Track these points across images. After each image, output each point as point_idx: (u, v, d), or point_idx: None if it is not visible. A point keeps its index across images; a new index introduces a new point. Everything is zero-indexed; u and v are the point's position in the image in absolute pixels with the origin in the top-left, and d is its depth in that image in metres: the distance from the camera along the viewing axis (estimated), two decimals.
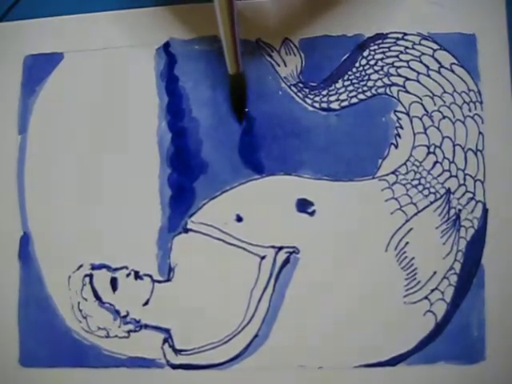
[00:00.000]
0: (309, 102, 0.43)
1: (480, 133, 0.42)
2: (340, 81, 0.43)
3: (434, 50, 0.43)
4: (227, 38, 0.39)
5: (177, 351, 0.42)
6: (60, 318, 0.43)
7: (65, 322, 0.43)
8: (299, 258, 0.42)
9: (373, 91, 0.43)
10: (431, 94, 0.43)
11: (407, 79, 0.43)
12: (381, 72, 0.43)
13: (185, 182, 0.43)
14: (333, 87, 0.43)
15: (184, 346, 0.42)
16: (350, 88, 0.43)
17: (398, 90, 0.43)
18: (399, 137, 0.42)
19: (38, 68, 0.46)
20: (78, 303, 0.43)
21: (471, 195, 0.42)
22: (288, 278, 0.42)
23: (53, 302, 0.43)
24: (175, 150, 0.44)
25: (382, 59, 0.43)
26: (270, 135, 0.43)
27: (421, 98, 0.43)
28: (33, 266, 0.44)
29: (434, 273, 0.41)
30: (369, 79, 0.43)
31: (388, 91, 0.43)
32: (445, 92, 0.42)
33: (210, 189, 0.43)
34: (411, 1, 0.43)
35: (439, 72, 0.43)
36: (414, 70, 0.43)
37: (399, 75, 0.43)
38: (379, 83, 0.43)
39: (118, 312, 0.43)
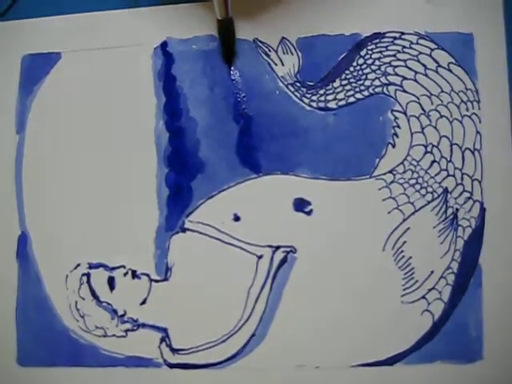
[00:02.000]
0: (306, 101, 0.43)
1: (477, 132, 0.42)
2: (337, 80, 0.43)
3: (432, 50, 0.43)
4: None
5: (174, 350, 0.42)
6: (57, 317, 0.43)
7: (62, 322, 0.43)
8: (296, 257, 0.42)
9: (370, 90, 0.43)
10: (429, 94, 0.42)
11: (404, 78, 0.43)
12: (378, 71, 0.43)
13: (182, 181, 0.43)
14: (330, 86, 0.43)
15: (181, 346, 0.42)
16: (348, 87, 0.43)
17: (396, 90, 0.43)
18: (396, 136, 0.42)
19: (36, 67, 0.46)
20: (76, 302, 0.43)
21: (468, 194, 0.42)
22: (285, 277, 0.42)
23: (50, 302, 0.43)
24: (173, 150, 0.44)
25: (379, 58, 0.43)
26: (267, 135, 0.43)
27: (418, 98, 0.43)
28: (31, 265, 0.44)
29: (432, 272, 0.41)
30: (366, 78, 0.43)
31: (385, 90, 0.43)
32: (442, 91, 0.42)
33: (208, 188, 0.43)
34: (409, 0, 0.43)
35: (437, 71, 0.43)
36: (411, 69, 0.43)
37: (396, 74, 0.43)
38: (376, 82, 0.43)
39: (115, 311, 0.43)
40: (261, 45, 0.44)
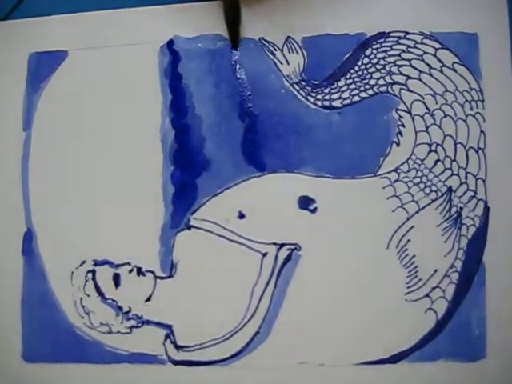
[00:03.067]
0: (311, 99, 0.43)
1: (481, 131, 0.42)
2: (342, 79, 0.43)
3: (436, 49, 0.43)
4: None
5: (178, 347, 0.42)
6: (62, 313, 0.43)
7: (67, 318, 0.43)
8: (301, 255, 0.42)
9: (375, 89, 0.43)
10: (433, 93, 0.43)
11: (409, 78, 0.43)
12: (383, 70, 0.43)
13: (188, 178, 0.43)
14: (335, 85, 0.43)
15: (185, 343, 0.42)
16: (353, 86, 0.43)
17: (400, 89, 0.43)
18: (401, 135, 0.43)
19: (43, 65, 0.46)
20: (81, 299, 0.44)
21: (472, 193, 0.42)
22: (289, 275, 0.42)
23: (55, 298, 0.44)
24: (178, 147, 0.44)
25: (384, 58, 0.43)
26: (272, 133, 0.43)
27: (423, 97, 0.43)
28: (36, 261, 0.44)
29: (435, 271, 0.41)
30: (371, 77, 0.43)
31: (390, 90, 0.43)
32: (447, 90, 0.43)
33: (213, 186, 0.43)
34: (413, 0, 0.43)
35: (441, 71, 0.43)
36: (416, 68, 0.43)
37: (401, 74, 0.43)
38: (381, 82, 0.43)
39: (120, 308, 0.43)
40: (266, 44, 0.44)
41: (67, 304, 0.44)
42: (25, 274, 0.44)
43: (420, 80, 0.43)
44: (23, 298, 0.44)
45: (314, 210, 0.42)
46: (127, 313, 0.43)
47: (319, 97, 0.43)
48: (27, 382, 0.43)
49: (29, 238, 0.44)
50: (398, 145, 0.43)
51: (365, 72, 0.43)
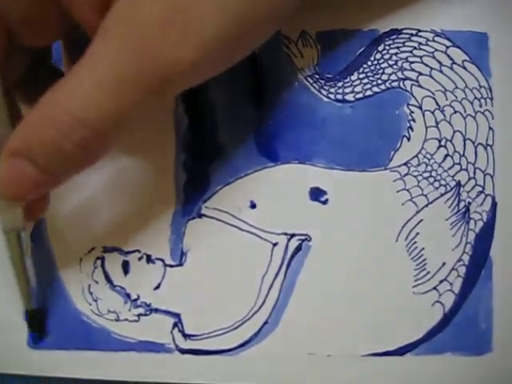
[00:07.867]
0: (324, 93, 0.44)
1: (490, 128, 0.43)
2: (355, 73, 0.44)
3: (447, 47, 0.44)
4: None
5: (186, 336, 0.42)
6: (70, 300, 0.43)
7: (74, 305, 0.43)
8: (311, 245, 0.42)
9: (387, 85, 0.44)
10: (443, 90, 0.43)
11: (420, 74, 0.44)
12: (395, 66, 0.44)
13: (200, 167, 0.43)
14: (348, 79, 0.44)
15: (194, 331, 0.42)
16: (365, 81, 0.44)
17: (412, 85, 0.44)
18: (411, 129, 0.43)
19: None
20: (89, 286, 0.43)
21: (481, 189, 0.43)
22: (299, 265, 0.42)
23: (63, 284, 0.43)
24: (192, 135, 0.44)
25: (396, 54, 0.44)
26: (285, 124, 0.44)
27: (433, 93, 0.43)
28: (44, 247, 0.44)
29: (443, 264, 0.42)
30: (383, 73, 0.44)
31: (401, 85, 0.44)
32: (456, 88, 0.43)
33: (225, 175, 0.43)
34: None
35: (451, 68, 0.44)
36: (427, 65, 0.44)
37: (413, 70, 0.44)
38: (393, 77, 0.44)
39: (128, 295, 0.43)
40: (281, 37, 0.44)
41: (74, 290, 0.43)
42: (32, 259, 0.44)
43: (431, 76, 0.44)
44: None
45: (325, 202, 0.43)
46: (135, 300, 0.43)
47: (332, 90, 0.44)
48: (32, 370, 0.43)
49: (37, 223, 0.44)
50: (408, 139, 0.43)
51: (377, 67, 0.44)
